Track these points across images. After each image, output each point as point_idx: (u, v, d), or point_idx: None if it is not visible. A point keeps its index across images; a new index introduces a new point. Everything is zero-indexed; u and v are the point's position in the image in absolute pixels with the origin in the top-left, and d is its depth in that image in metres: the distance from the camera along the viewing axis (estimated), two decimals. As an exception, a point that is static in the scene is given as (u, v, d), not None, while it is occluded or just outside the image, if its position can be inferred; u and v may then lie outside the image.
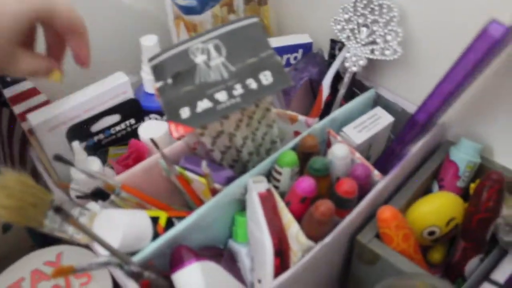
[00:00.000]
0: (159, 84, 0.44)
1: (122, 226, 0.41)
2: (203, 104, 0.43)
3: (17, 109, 0.52)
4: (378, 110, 0.59)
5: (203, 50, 0.45)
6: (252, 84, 0.43)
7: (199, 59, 0.45)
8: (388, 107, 0.59)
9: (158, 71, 0.44)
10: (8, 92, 0.52)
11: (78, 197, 0.46)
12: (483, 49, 0.41)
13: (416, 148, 0.51)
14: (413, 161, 0.53)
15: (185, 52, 0.45)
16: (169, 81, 0.44)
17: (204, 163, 0.44)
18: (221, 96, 0.43)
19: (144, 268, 0.41)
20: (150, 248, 0.43)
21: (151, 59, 0.45)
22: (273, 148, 0.53)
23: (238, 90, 0.43)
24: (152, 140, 0.48)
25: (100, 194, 0.44)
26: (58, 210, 0.36)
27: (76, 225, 0.37)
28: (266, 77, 0.43)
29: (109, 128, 0.56)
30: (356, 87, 0.62)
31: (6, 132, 0.54)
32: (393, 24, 0.54)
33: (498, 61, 0.47)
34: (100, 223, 0.42)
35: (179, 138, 0.48)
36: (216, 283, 0.43)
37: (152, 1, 0.60)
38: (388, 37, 0.54)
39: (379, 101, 0.61)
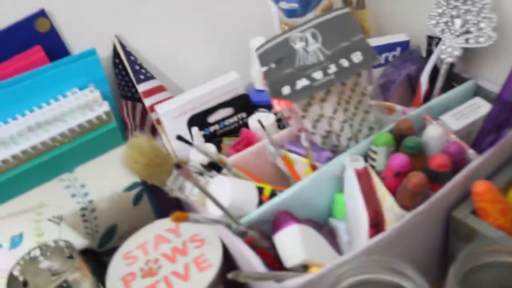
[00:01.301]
0: (265, 68, 0.51)
1: (231, 190, 0.48)
2: (302, 82, 0.49)
3: (148, 102, 0.63)
4: (478, 100, 0.60)
5: (302, 38, 0.51)
6: (344, 63, 0.49)
7: (298, 45, 0.51)
8: (489, 97, 0.61)
9: (263, 58, 0.52)
10: (141, 87, 0.62)
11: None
12: None
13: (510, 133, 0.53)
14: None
15: (286, 41, 0.52)
16: (273, 65, 0.51)
17: (303, 135, 0.50)
18: (317, 75, 0.49)
19: (249, 228, 0.47)
20: (255, 212, 0.49)
21: (258, 49, 0.52)
22: (371, 135, 0.57)
23: (332, 69, 0.49)
24: (260, 122, 0.55)
25: (214, 166, 0.52)
26: (179, 166, 0.44)
27: (193, 181, 0.44)
28: (357, 56, 0.49)
29: (223, 120, 0.64)
30: (455, 80, 0.64)
31: (139, 123, 0.65)
32: (485, 11, 0.56)
33: None
34: (212, 188, 0.49)
35: (289, 116, 0.55)
36: (313, 246, 0.48)
37: (259, 6, 0.68)
38: (482, 24, 0.57)
39: (479, 92, 0.62)
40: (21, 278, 0.48)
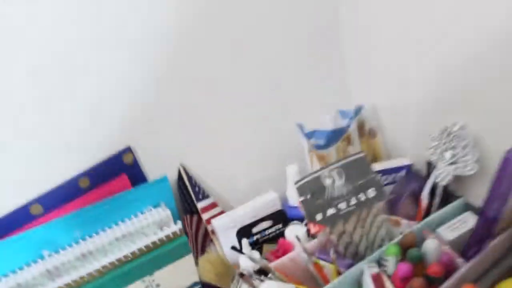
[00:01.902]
0: (302, 198, 0.70)
1: None
2: (330, 211, 0.67)
3: (205, 216, 0.81)
4: (467, 214, 0.77)
5: (330, 176, 0.70)
6: (362, 197, 0.67)
7: (327, 182, 0.70)
8: (477, 212, 0.78)
9: (301, 190, 0.70)
10: (199, 205, 0.81)
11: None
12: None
13: (494, 242, 0.69)
14: (496, 250, 0.70)
15: (318, 178, 0.70)
16: (308, 196, 0.69)
17: (331, 250, 0.67)
18: (342, 205, 0.67)
19: None
20: None
21: (296, 182, 0.71)
22: (383, 245, 0.74)
23: (353, 201, 0.67)
24: (297, 237, 0.72)
25: (262, 272, 0.69)
26: (242, 275, 0.61)
27: (252, 284, 0.61)
28: (371, 192, 0.67)
29: (264, 230, 0.81)
30: (449, 197, 0.82)
31: (195, 231, 0.83)
32: (468, 148, 0.75)
33: None
34: (264, 289, 0.66)
35: (314, 235, 0.72)
36: None
37: (293, 138, 0.88)
38: (466, 157, 0.75)
39: (469, 207, 0.79)
40: None
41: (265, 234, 0.81)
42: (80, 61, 0.70)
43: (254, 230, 0.80)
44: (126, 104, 0.75)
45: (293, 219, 0.82)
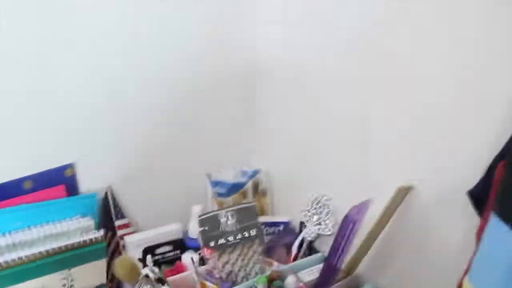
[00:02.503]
0: (201, 228, 0.92)
1: None
2: (221, 241, 0.90)
3: (120, 232, 1.00)
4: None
5: (225, 215, 0.94)
6: (246, 234, 0.91)
7: (223, 219, 0.93)
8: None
9: (201, 222, 0.92)
10: (117, 222, 1.00)
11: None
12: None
13: (335, 285, 0.95)
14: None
15: (216, 216, 0.94)
16: (207, 228, 0.92)
17: (216, 275, 0.90)
18: (230, 238, 0.90)
19: None
20: None
21: (199, 216, 0.93)
22: (256, 277, 0.98)
23: (239, 236, 0.91)
24: (192, 258, 0.94)
25: (160, 281, 0.89)
26: (147, 276, 0.81)
27: (153, 285, 0.81)
28: (253, 232, 0.91)
29: (165, 252, 1.02)
30: (312, 251, 1.08)
31: (108, 242, 1.01)
32: (329, 215, 1.02)
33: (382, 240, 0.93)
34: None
35: (206, 260, 0.94)
36: None
37: (199, 185, 1.11)
38: (327, 221, 1.02)
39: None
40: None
41: (165, 256, 1.01)
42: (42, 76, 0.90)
43: (157, 251, 1.00)
44: (75, 127, 0.95)
45: (190, 248, 1.04)
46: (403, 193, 0.86)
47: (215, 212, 0.93)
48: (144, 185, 1.06)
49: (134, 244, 0.98)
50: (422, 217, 0.87)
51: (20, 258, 0.84)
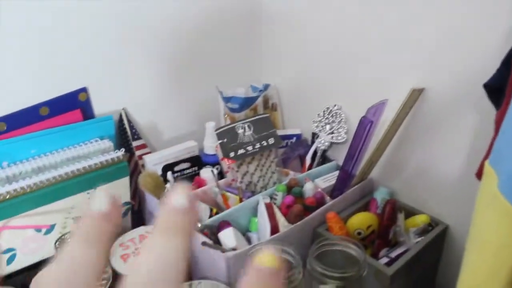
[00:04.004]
0: (220, 141, 0.96)
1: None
2: (241, 151, 0.95)
3: (137, 153, 1.04)
4: (337, 172, 1.09)
5: (242, 127, 0.98)
6: (264, 143, 0.95)
7: (240, 131, 0.97)
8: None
9: (220, 136, 0.96)
10: (134, 143, 1.04)
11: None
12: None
13: (349, 190, 1.01)
14: (353, 194, 1.01)
15: (233, 128, 0.98)
16: (225, 140, 0.96)
17: (237, 185, 0.95)
18: (249, 148, 0.95)
19: (205, 227, 0.90)
20: (208, 220, 0.92)
21: (217, 130, 0.97)
22: (274, 186, 1.03)
23: (257, 146, 0.95)
24: (212, 172, 0.99)
25: None
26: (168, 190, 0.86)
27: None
28: (271, 140, 0.95)
29: (183, 170, 1.07)
30: (326, 160, 1.13)
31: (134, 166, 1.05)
32: (341, 123, 1.06)
33: (395, 143, 0.98)
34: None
35: (226, 171, 0.99)
36: (238, 238, 0.91)
37: (213, 101, 1.15)
38: (339, 130, 1.07)
39: (339, 168, 1.11)
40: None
41: (183, 173, 1.06)
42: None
43: (175, 168, 1.05)
44: (89, 51, 0.97)
45: (207, 164, 1.08)
46: (416, 94, 0.90)
47: (232, 125, 0.97)
48: (157, 107, 1.09)
49: (152, 163, 1.02)
50: (435, 117, 0.91)
51: (47, 180, 0.87)
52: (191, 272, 0.91)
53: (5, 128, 0.91)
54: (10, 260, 0.87)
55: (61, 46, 0.93)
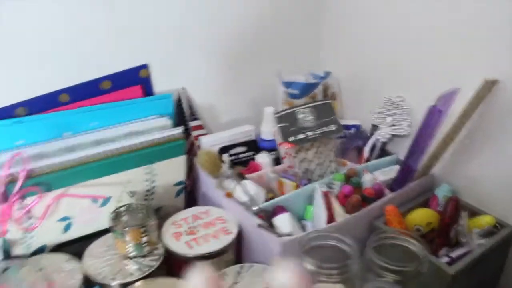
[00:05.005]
0: (280, 125, 0.95)
1: (255, 189, 0.90)
2: (300, 136, 0.94)
3: (194, 133, 1.05)
4: (397, 167, 1.06)
5: (303, 112, 0.96)
6: (325, 129, 0.94)
7: (300, 116, 0.96)
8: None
9: (279, 119, 0.96)
10: (191, 124, 1.05)
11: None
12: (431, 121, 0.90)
13: (411, 184, 0.98)
14: (413, 189, 0.99)
15: (293, 112, 0.97)
16: (284, 124, 0.95)
17: (295, 171, 0.94)
18: (310, 133, 0.94)
19: (260, 211, 0.89)
20: (264, 204, 0.91)
21: (277, 113, 0.96)
22: (332, 175, 1.01)
23: (318, 132, 0.94)
24: (268, 156, 0.98)
25: (241, 175, 0.94)
26: (232, 168, 0.85)
27: (237, 178, 0.86)
28: (332, 127, 0.94)
29: (239, 153, 1.06)
30: (385, 153, 1.11)
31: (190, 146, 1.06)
32: (404, 115, 1.04)
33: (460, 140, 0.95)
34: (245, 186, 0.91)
35: (283, 157, 0.98)
36: (295, 225, 0.90)
37: (270, 89, 1.14)
38: (402, 122, 1.04)
39: (399, 162, 1.08)
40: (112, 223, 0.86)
41: (239, 157, 1.06)
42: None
43: (231, 151, 1.05)
44: (152, 29, 0.98)
45: (263, 149, 1.08)
46: (489, 86, 0.86)
47: (293, 109, 0.96)
48: (215, 89, 1.09)
49: (208, 144, 1.02)
50: (508, 113, 0.87)
51: (105, 153, 0.88)
52: (242, 255, 0.90)
53: (68, 99, 0.93)
54: (65, 229, 0.89)
55: (125, 22, 0.95)
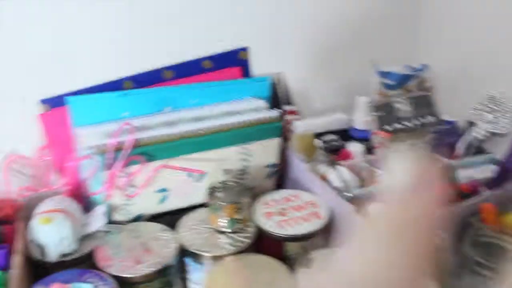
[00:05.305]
0: (377, 114, 0.95)
1: (349, 175, 0.91)
2: (397, 125, 0.93)
3: (288, 117, 1.06)
4: (493, 166, 1.03)
5: (400, 102, 0.96)
6: (423, 120, 0.93)
7: (397, 106, 0.96)
8: (500, 166, 1.04)
9: (376, 108, 0.96)
10: (286, 107, 1.06)
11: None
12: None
13: (509, 186, 0.95)
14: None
15: (391, 102, 0.96)
16: (381, 113, 0.95)
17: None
18: (407, 123, 0.93)
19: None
20: (359, 192, 0.91)
21: (372, 102, 0.96)
22: None
23: (416, 122, 0.93)
24: (361, 146, 0.98)
25: (333, 162, 0.95)
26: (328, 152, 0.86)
27: (331, 162, 0.87)
28: (430, 119, 0.93)
29: (330, 141, 1.07)
30: (482, 151, 1.08)
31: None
32: (506, 112, 1.01)
33: None
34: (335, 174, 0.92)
35: (375, 147, 0.98)
36: None
37: (364, 76, 1.14)
38: (503, 119, 1.01)
39: (496, 161, 1.05)
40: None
41: (330, 144, 1.07)
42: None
43: (323, 138, 1.06)
44: (253, 14, 1.01)
45: (354, 139, 1.08)
46: None
47: (390, 99, 0.96)
48: (310, 75, 1.11)
49: (301, 129, 1.04)
50: None
51: (203, 129, 0.91)
52: (330, 240, 0.91)
53: (172, 76, 0.97)
54: (161, 200, 0.93)
55: (228, 7, 0.99)
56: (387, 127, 0.94)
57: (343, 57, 1.12)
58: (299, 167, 0.99)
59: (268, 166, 0.99)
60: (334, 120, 1.06)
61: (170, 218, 0.94)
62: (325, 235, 0.90)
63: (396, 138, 0.96)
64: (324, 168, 0.93)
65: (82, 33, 0.90)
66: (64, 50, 0.90)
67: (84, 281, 0.76)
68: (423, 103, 0.97)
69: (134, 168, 0.87)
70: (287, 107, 1.06)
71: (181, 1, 0.94)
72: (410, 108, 0.95)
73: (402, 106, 0.95)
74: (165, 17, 0.93)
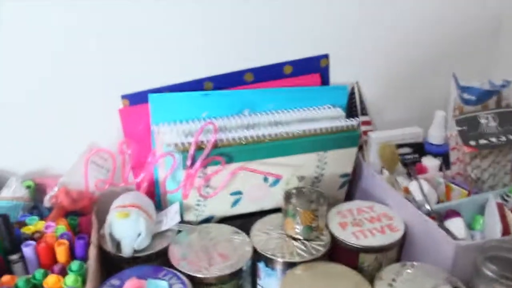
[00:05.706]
0: (460, 128, 0.94)
1: (425, 189, 0.89)
2: (482, 141, 0.91)
3: (362, 128, 1.06)
4: None
5: (486, 117, 0.94)
6: (510, 136, 0.91)
7: (483, 121, 0.94)
8: None
9: (459, 123, 0.94)
10: (362, 118, 1.05)
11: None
12: None
13: None
14: None
15: (475, 117, 0.95)
16: (465, 128, 0.93)
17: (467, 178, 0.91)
18: (493, 139, 0.91)
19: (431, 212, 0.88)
20: (436, 206, 0.89)
21: (457, 118, 0.95)
22: (505, 188, 0.97)
23: (502, 138, 0.91)
24: (438, 161, 0.96)
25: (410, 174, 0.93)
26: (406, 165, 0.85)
27: (416, 177, 0.85)
28: None
29: (404, 154, 1.06)
30: None
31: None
32: None
33: None
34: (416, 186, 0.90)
35: (454, 163, 0.96)
36: (467, 232, 0.87)
37: (442, 91, 1.13)
38: None
39: None
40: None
41: (404, 158, 1.05)
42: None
43: (398, 151, 1.04)
44: (334, 22, 1.01)
45: (429, 153, 1.06)
46: None
47: (474, 113, 0.94)
48: (386, 86, 1.10)
49: (376, 141, 1.02)
50: None
51: (280, 134, 0.91)
52: (403, 254, 0.89)
53: (252, 79, 0.97)
54: (234, 203, 0.93)
55: (313, 14, 0.98)
56: (472, 142, 0.92)
57: (421, 71, 1.11)
58: (373, 178, 0.98)
59: (342, 175, 0.98)
60: (409, 133, 1.05)
61: (239, 222, 0.93)
62: (399, 248, 0.89)
63: (477, 155, 0.95)
64: (405, 180, 0.92)
65: (169, 32, 0.91)
66: (148, 48, 0.91)
67: (160, 278, 0.76)
68: (510, 119, 0.94)
69: (212, 169, 0.87)
70: (362, 118, 1.05)
71: (271, 8, 0.95)
72: (496, 124, 0.93)
73: (488, 122, 0.93)
74: (254, 22, 0.94)
